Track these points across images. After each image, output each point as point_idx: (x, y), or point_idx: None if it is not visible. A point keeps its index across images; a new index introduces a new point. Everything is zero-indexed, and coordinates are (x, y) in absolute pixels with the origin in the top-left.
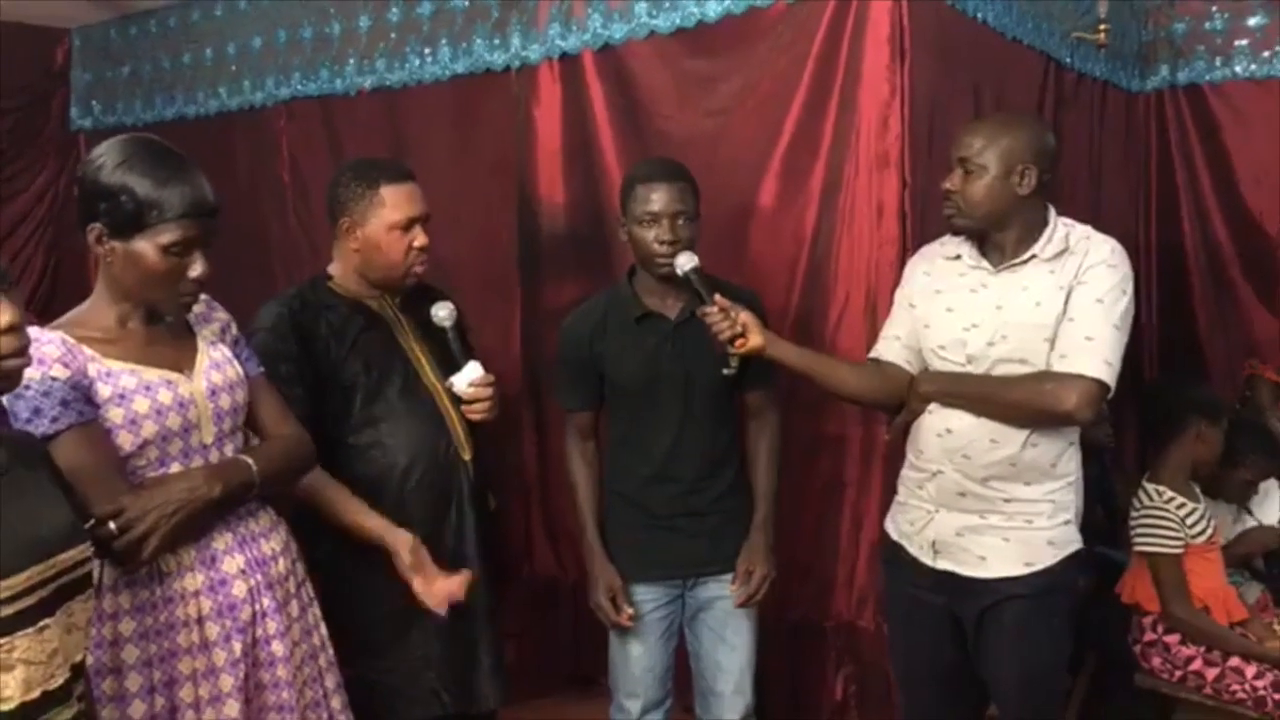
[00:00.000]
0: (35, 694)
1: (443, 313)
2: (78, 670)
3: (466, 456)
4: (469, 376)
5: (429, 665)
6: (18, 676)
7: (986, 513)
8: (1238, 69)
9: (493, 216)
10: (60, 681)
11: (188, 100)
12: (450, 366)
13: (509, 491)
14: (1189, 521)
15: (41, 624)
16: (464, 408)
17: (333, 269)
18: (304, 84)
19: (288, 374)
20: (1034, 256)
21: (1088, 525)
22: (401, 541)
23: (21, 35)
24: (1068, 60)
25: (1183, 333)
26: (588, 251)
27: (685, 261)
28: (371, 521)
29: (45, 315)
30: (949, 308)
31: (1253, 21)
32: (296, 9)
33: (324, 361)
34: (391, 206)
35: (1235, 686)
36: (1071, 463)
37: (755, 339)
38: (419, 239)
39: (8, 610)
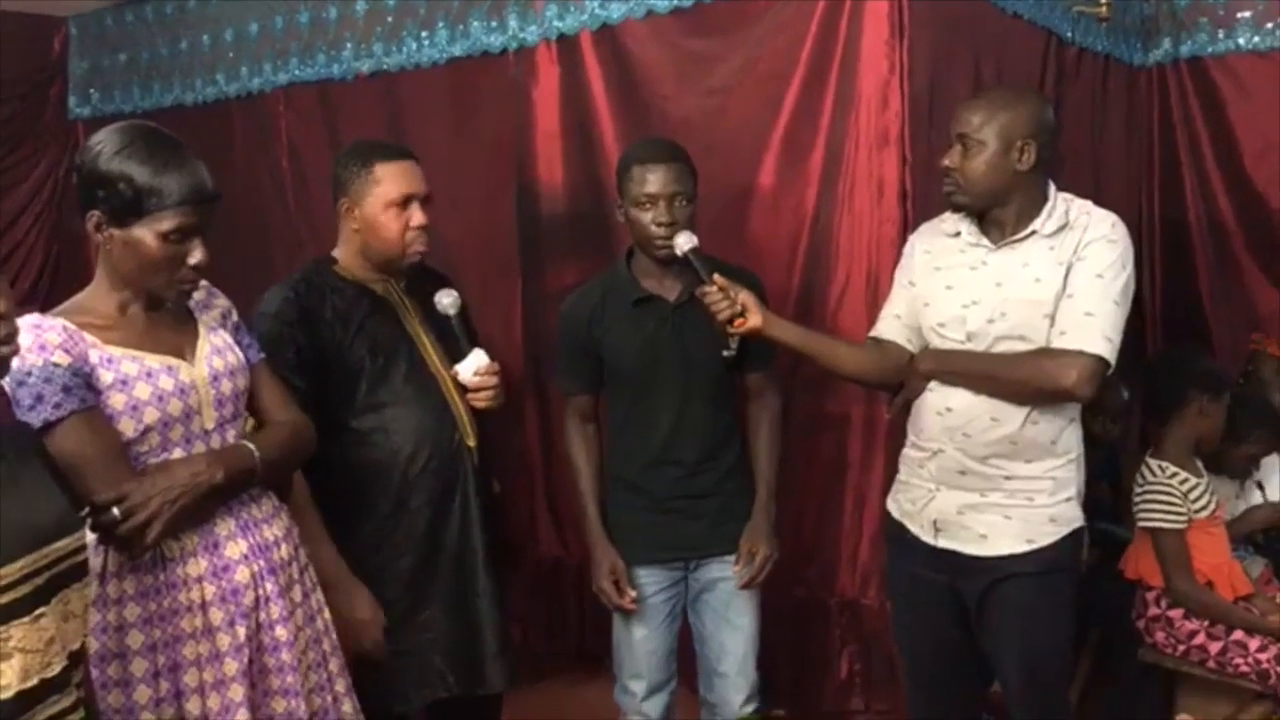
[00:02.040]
0: (33, 682)
1: (446, 300)
2: (76, 658)
3: (471, 443)
4: (473, 365)
5: (435, 648)
6: (15, 665)
7: (987, 491)
8: (1240, 41)
9: (492, 199)
10: (58, 670)
11: (185, 87)
12: (455, 354)
13: (513, 475)
14: (1192, 496)
15: (37, 612)
16: (469, 396)
17: (337, 252)
18: (301, 69)
19: (292, 361)
20: (1034, 233)
21: (1092, 502)
22: (361, 599)
23: (18, 24)
24: (1069, 35)
25: (1186, 307)
26: (588, 233)
27: (684, 241)
28: (329, 565)
29: (47, 304)
30: (949, 285)
31: None
32: None
33: (329, 346)
34: (386, 183)
35: (1238, 660)
36: (1072, 440)
37: (754, 318)
38: (416, 217)
39: (2, 599)
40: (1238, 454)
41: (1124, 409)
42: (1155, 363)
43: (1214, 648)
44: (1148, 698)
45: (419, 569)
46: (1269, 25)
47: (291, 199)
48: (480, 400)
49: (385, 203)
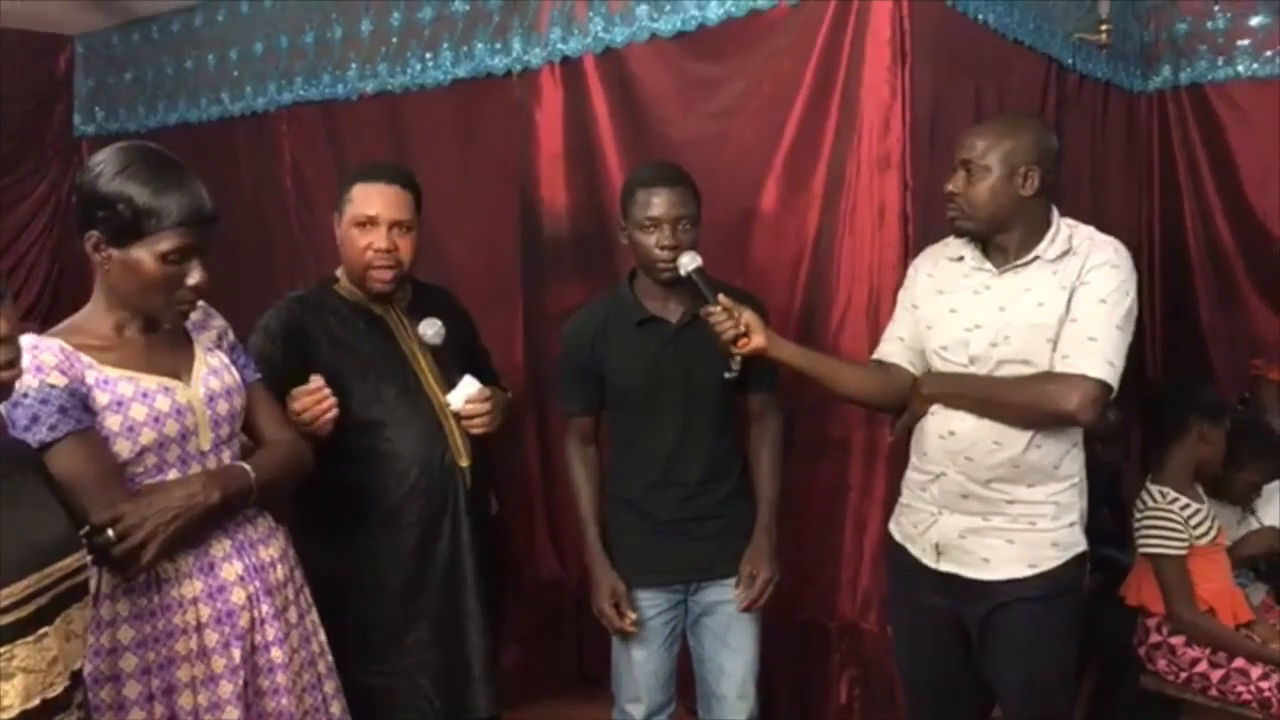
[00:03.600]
0: (35, 702)
1: (429, 331)
2: (77, 678)
3: (464, 463)
4: (464, 393)
5: (423, 671)
6: (17, 685)
7: (990, 514)
8: (1240, 69)
9: (494, 221)
10: (60, 689)
11: (190, 106)
12: (447, 381)
13: (512, 495)
14: (1193, 522)
15: (40, 632)
16: (464, 423)
17: (339, 271)
18: (306, 89)
19: (266, 374)
20: (1037, 258)
21: (1094, 527)
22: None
23: (24, 42)
24: (1069, 61)
25: (1187, 333)
26: (590, 255)
27: (689, 261)
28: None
29: (49, 322)
30: (952, 309)
31: (1254, 21)
32: (298, 14)
33: (318, 364)
34: (357, 202)
35: (1240, 688)
36: (1075, 464)
37: (758, 339)
38: (378, 240)
39: (6, 619)
40: (1239, 480)
41: (1116, 431)
42: (1156, 388)
43: (1216, 675)
44: None
45: (407, 588)
46: (1268, 53)
47: (295, 218)
48: (475, 427)
49: (351, 221)
